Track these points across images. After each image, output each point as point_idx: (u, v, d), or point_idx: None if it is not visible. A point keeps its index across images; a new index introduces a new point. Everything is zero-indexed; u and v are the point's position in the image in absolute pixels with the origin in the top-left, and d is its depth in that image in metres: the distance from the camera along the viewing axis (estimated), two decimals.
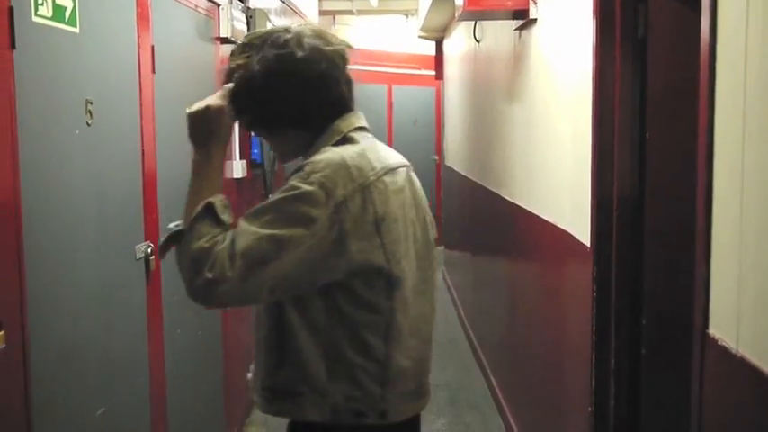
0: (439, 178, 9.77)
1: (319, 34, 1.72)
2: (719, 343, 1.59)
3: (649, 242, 2.44)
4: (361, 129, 1.77)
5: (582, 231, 2.73)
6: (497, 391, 4.67)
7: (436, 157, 9.88)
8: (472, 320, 6.12)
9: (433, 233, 1.82)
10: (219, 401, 3.82)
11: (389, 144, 1.84)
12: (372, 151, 1.70)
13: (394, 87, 9.73)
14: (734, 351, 1.53)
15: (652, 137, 2.41)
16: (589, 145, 2.62)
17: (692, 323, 1.78)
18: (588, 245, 2.66)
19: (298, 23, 1.75)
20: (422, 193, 1.82)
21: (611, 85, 2.51)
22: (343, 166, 1.60)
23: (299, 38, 1.68)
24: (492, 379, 4.90)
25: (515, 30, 3.92)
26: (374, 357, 1.66)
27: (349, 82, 1.79)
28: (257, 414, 4.55)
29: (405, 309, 1.69)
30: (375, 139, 1.78)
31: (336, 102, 1.74)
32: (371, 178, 1.62)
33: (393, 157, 1.77)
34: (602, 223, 2.56)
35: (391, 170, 1.69)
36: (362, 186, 1.60)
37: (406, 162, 1.80)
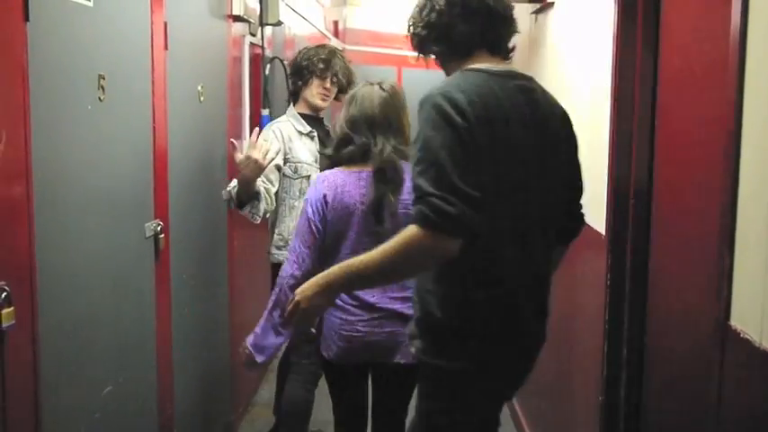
0: None
1: None
2: (742, 336, 1.56)
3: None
4: None
5: (597, 219, 2.70)
6: None
7: None
8: None
9: None
10: (226, 381, 3.81)
11: None
12: None
13: (404, 70, 9.66)
14: (757, 344, 1.50)
15: (669, 123, 2.37)
16: (606, 132, 2.59)
17: (708, 315, 1.75)
18: (603, 233, 2.62)
19: None
20: None
21: (631, 70, 2.47)
22: None
23: None
24: None
25: (531, 13, 3.87)
26: None
27: None
28: (263, 395, 4.55)
29: None
30: None
31: None
32: None
33: None
34: (618, 211, 2.52)
35: None
36: None
37: None
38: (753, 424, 1.55)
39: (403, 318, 2.54)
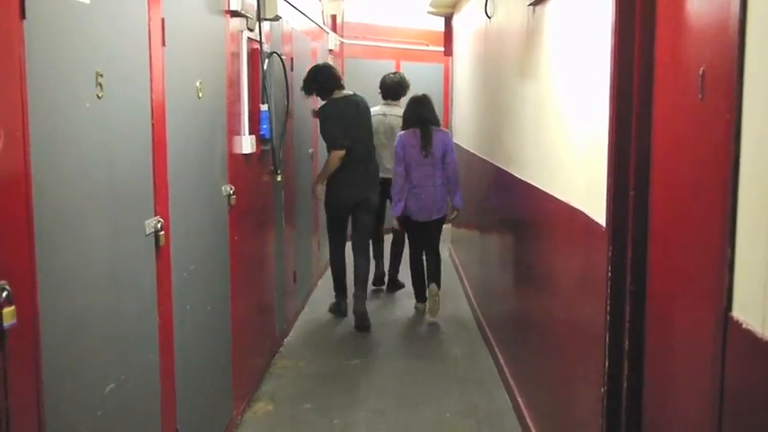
0: None
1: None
2: (744, 326, 1.56)
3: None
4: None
5: (597, 211, 2.70)
6: (505, 368, 4.67)
7: None
8: (479, 298, 6.11)
9: None
10: (228, 377, 3.82)
11: None
12: None
13: (402, 63, 9.65)
14: (759, 335, 1.50)
15: (668, 113, 2.36)
16: (605, 124, 2.58)
17: (710, 306, 1.74)
18: (603, 225, 2.62)
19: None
20: None
21: (630, 61, 2.46)
22: None
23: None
24: (500, 357, 4.89)
25: (529, 5, 3.86)
26: None
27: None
28: (265, 389, 4.55)
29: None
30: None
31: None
32: None
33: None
34: (618, 203, 2.52)
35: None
36: None
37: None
38: (755, 414, 1.55)
39: (432, 194, 5.86)
